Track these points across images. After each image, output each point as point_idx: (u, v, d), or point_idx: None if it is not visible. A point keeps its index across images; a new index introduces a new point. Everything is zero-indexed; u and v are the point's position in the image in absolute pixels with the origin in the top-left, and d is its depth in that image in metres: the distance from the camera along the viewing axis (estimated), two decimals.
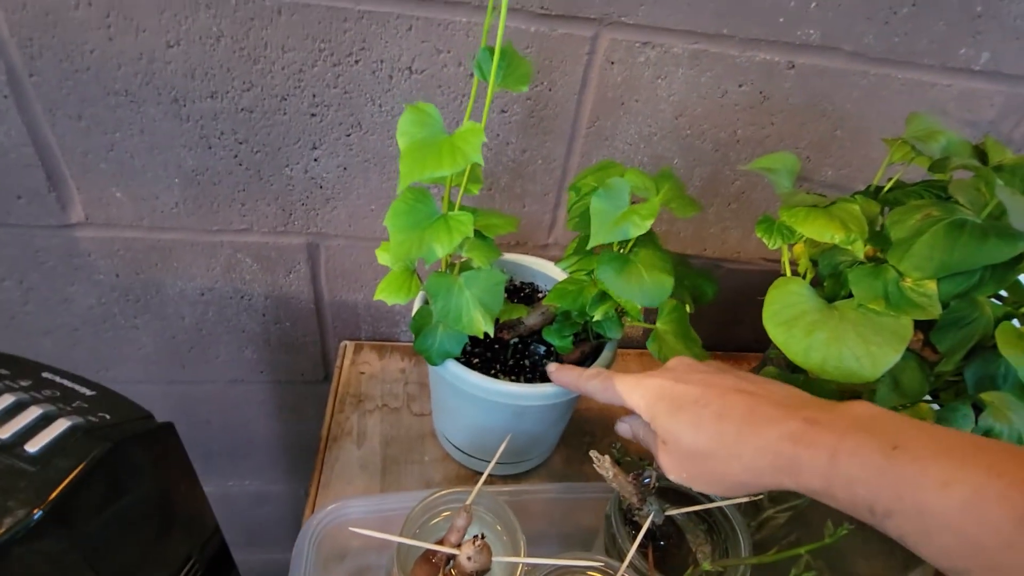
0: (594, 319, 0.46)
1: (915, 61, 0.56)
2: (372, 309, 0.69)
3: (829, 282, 0.40)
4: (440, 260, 0.44)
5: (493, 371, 0.50)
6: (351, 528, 0.34)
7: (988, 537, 0.21)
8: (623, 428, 0.40)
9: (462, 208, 0.40)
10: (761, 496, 0.44)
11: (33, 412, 0.29)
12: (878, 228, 0.39)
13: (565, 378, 0.43)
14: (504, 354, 0.52)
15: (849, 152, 0.62)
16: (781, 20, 0.52)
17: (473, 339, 0.52)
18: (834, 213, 0.38)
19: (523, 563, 0.36)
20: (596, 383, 0.39)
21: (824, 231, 0.36)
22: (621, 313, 0.48)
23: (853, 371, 0.34)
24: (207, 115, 0.51)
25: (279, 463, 0.87)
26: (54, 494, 0.26)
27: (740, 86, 0.56)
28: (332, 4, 0.47)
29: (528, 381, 0.49)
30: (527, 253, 0.59)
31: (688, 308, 0.45)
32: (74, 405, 0.31)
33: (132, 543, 0.33)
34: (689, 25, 0.52)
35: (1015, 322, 0.35)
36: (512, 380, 0.48)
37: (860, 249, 0.36)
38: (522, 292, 0.59)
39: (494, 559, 0.35)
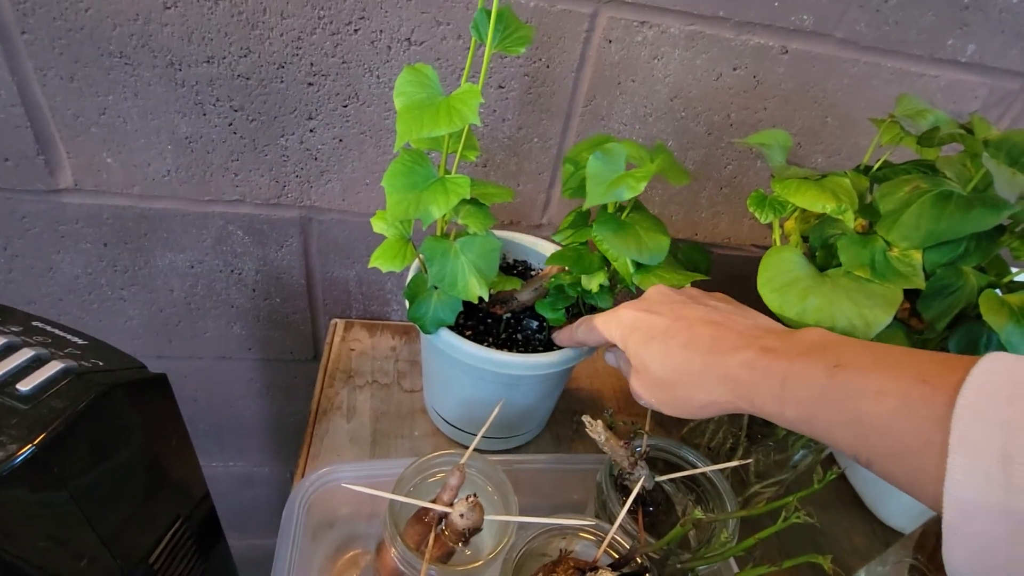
0: (591, 291, 0.47)
1: (904, 51, 0.58)
2: (363, 287, 0.69)
3: (820, 253, 0.40)
4: (436, 226, 0.45)
5: (486, 344, 0.50)
6: (344, 484, 0.34)
7: (912, 437, 0.23)
8: (609, 358, 0.42)
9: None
10: (749, 461, 0.45)
11: (25, 354, 0.28)
12: (867, 202, 0.40)
13: (562, 336, 0.46)
14: (497, 328, 0.53)
15: (839, 139, 0.63)
16: (776, 4, 0.53)
17: (466, 313, 0.52)
18: (825, 185, 0.38)
19: (515, 522, 0.36)
20: (582, 328, 0.42)
21: (816, 201, 0.37)
22: (613, 285, 0.48)
23: (847, 333, 0.35)
24: (203, 80, 0.51)
25: (266, 445, 0.86)
26: (45, 432, 0.26)
27: (735, 69, 0.57)
28: None
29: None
30: (521, 232, 0.59)
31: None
32: (66, 351, 0.30)
33: (123, 494, 0.33)
34: (686, 6, 0.52)
35: (997, 291, 0.36)
36: None
37: (850, 219, 0.37)
38: (515, 269, 0.59)
39: (486, 518, 0.35)
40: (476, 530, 0.36)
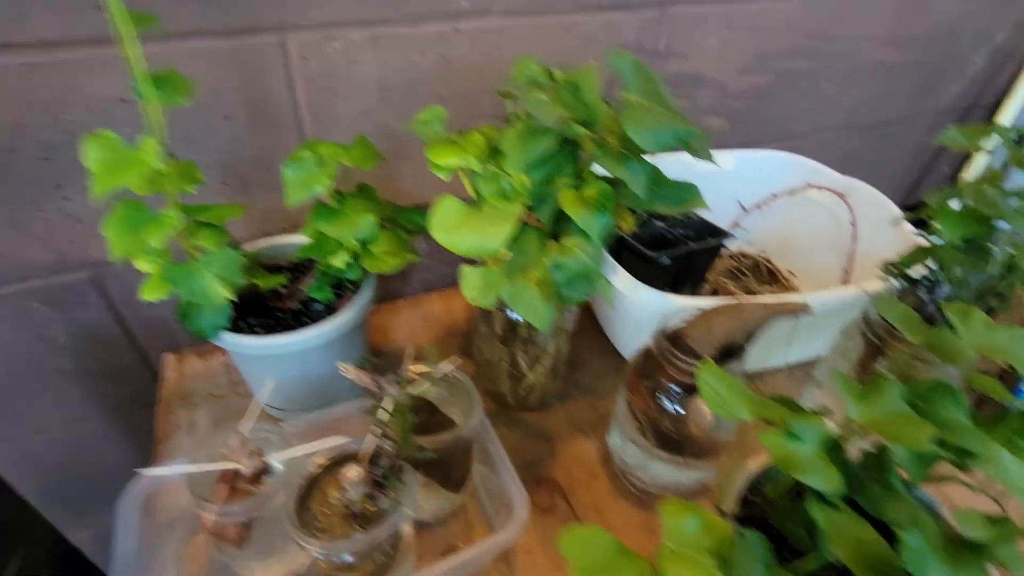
0: (341, 268, 0.58)
1: (558, 10, 0.71)
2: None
3: (476, 193, 0.53)
4: (187, 254, 0.53)
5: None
6: (142, 472, 0.44)
7: None
8: None
9: (183, 207, 0.50)
10: (454, 365, 0.58)
11: None
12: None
13: None
14: (292, 319, 0.62)
15: None
16: None
17: (257, 311, 0.61)
18: (458, 143, 0.51)
19: (296, 454, 0.47)
20: None
21: (447, 157, 0.50)
22: (360, 258, 0.59)
23: (485, 247, 0.48)
24: None
25: None
26: None
27: (422, 54, 0.68)
28: (29, 60, 0.53)
29: None
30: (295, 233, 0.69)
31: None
32: None
33: None
34: (357, 16, 0.63)
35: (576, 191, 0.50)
36: None
37: (475, 164, 0.50)
38: (303, 265, 0.68)
39: (267, 458, 0.46)
40: (265, 471, 0.46)
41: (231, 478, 0.47)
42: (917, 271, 0.57)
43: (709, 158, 0.48)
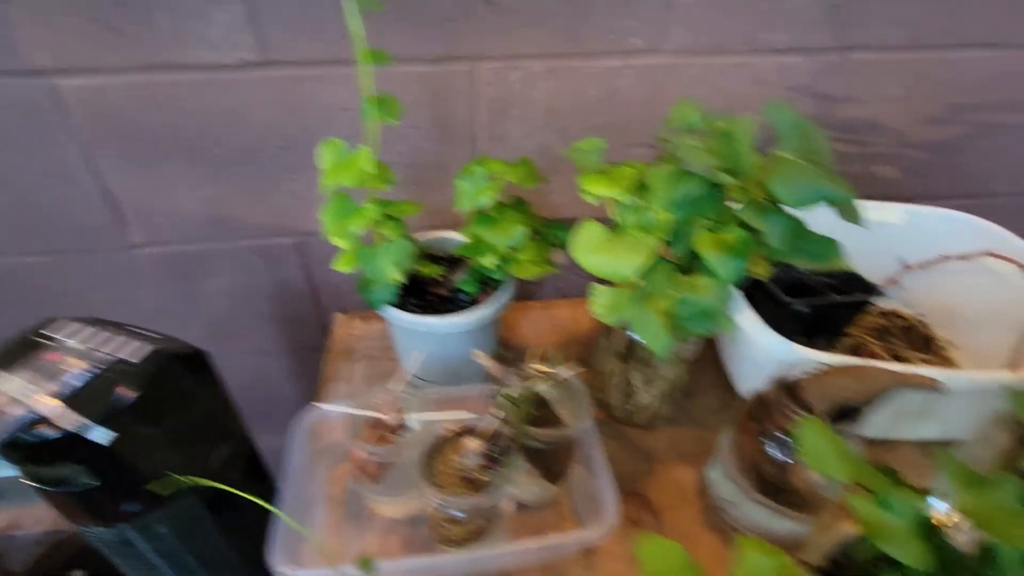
0: (490, 267, 0.67)
1: (728, 49, 0.73)
2: (355, 287, 0.90)
3: (619, 219, 0.58)
4: (372, 237, 0.65)
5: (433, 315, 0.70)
6: (317, 405, 0.56)
7: None
8: None
9: (377, 201, 0.61)
10: (573, 372, 0.63)
11: (133, 343, 0.52)
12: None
13: None
14: (442, 303, 0.73)
15: None
16: (611, 36, 0.71)
17: (416, 292, 0.72)
18: (610, 175, 0.57)
19: (429, 419, 0.56)
20: None
21: (598, 188, 0.55)
22: (507, 262, 0.68)
23: (619, 273, 0.53)
24: (216, 161, 0.74)
25: None
26: (148, 382, 0.49)
27: (591, 85, 0.74)
28: (287, 74, 0.69)
29: None
30: (454, 231, 0.79)
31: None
32: (151, 340, 0.53)
33: (187, 434, 0.56)
34: (542, 50, 0.71)
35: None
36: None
37: (623, 196, 0.55)
38: (456, 259, 0.79)
39: (407, 415, 0.56)
40: (404, 426, 0.57)
41: (378, 425, 0.57)
42: None
43: (856, 220, 0.48)
